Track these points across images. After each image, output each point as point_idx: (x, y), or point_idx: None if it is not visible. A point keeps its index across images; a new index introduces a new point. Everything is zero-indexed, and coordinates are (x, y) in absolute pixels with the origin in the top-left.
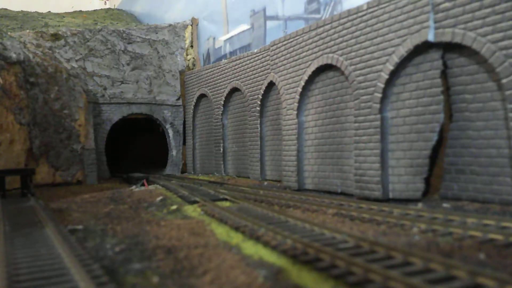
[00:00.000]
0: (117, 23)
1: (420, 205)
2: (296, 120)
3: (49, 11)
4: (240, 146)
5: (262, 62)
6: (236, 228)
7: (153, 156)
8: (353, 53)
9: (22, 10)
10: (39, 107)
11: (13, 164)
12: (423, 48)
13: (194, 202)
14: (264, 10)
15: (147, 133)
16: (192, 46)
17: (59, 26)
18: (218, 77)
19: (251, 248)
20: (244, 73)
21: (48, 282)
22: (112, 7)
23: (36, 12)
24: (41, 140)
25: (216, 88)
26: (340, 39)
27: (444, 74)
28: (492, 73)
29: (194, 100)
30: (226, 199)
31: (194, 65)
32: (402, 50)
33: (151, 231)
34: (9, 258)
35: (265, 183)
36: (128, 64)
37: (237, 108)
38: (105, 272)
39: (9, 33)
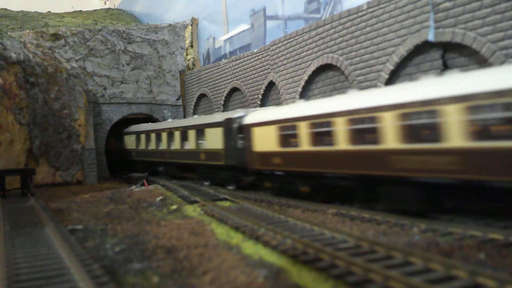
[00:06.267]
0: (117, 23)
1: None
2: None
3: (49, 11)
4: None
5: (262, 62)
6: (236, 228)
7: None
8: (353, 53)
9: (22, 10)
10: (39, 107)
11: (13, 164)
12: (423, 48)
13: (194, 202)
14: (264, 10)
15: None
16: (192, 46)
17: (59, 26)
18: (218, 77)
19: (251, 248)
20: (244, 73)
21: (48, 282)
22: (112, 7)
23: (36, 12)
24: (41, 140)
25: (216, 88)
26: (340, 39)
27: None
28: None
29: (194, 100)
30: (226, 199)
31: (194, 65)
32: (402, 50)
33: (151, 231)
34: (9, 258)
35: None
36: (128, 64)
37: (237, 108)
38: (105, 272)
39: (9, 33)
